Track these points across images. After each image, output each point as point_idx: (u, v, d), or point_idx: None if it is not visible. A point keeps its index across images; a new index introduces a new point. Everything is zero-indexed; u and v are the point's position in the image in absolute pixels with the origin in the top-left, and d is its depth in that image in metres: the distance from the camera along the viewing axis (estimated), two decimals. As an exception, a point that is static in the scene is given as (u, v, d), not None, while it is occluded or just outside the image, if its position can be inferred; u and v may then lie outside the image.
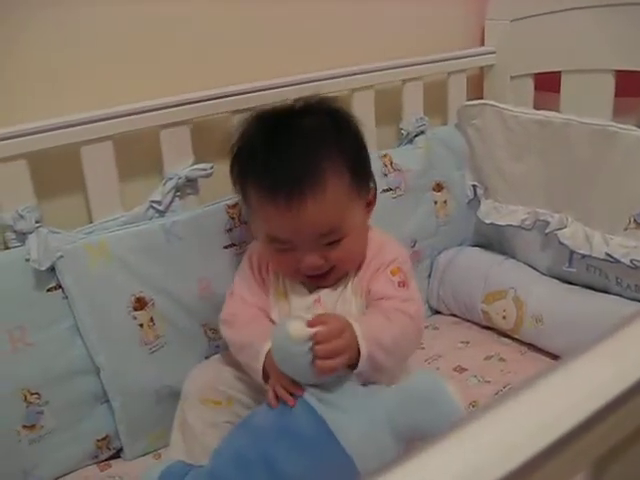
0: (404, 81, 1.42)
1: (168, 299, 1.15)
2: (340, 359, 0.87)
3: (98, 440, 1.15)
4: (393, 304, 0.99)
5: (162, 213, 1.17)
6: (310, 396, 0.88)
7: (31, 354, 1.06)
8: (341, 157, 0.99)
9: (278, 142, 0.99)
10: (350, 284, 1.05)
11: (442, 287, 1.50)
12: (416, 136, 1.44)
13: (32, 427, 1.08)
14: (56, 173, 1.12)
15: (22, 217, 1.05)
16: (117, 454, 1.18)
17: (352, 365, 0.91)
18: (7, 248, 1.07)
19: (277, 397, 0.90)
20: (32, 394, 1.07)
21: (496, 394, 1.25)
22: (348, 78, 1.33)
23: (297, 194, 0.94)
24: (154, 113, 1.13)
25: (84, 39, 1.13)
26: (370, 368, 0.92)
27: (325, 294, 1.04)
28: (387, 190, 1.38)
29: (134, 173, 1.18)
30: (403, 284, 1.03)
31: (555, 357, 1.34)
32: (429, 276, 1.51)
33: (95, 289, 1.09)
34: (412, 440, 0.88)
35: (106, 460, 1.17)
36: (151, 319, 1.14)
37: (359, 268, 1.05)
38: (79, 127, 1.08)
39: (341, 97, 1.32)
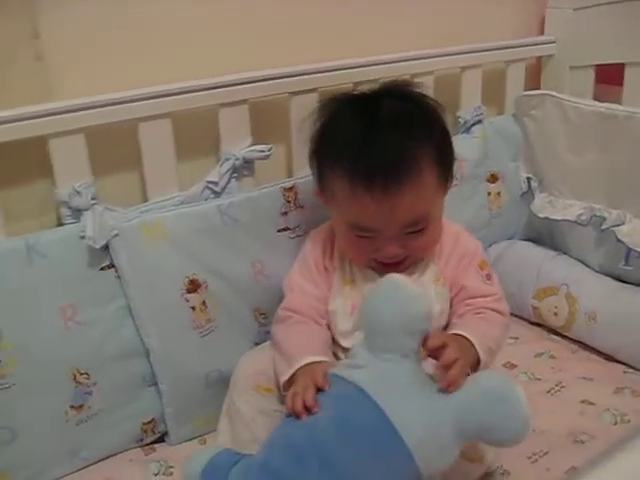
0: (463, 68, 1.39)
1: (221, 282, 1.13)
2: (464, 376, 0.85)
3: (144, 423, 1.13)
4: (487, 303, 1.01)
5: (218, 194, 1.15)
6: (369, 386, 0.83)
7: (82, 333, 1.04)
8: (432, 146, 0.97)
9: (373, 128, 0.96)
10: (428, 271, 1.04)
11: (492, 281, 1.46)
12: (473, 125, 1.41)
13: (80, 407, 1.06)
14: (113, 150, 1.09)
15: (78, 193, 1.02)
16: (162, 438, 1.16)
17: None
18: (61, 224, 1.05)
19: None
20: (81, 374, 1.05)
21: (548, 392, 1.22)
22: (409, 63, 1.30)
23: (395, 182, 0.92)
24: (213, 91, 1.10)
25: (149, 16, 1.11)
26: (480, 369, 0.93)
27: None
28: (446, 179, 1.35)
29: (190, 152, 1.15)
30: (489, 277, 1.05)
31: (607, 357, 1.31)
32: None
33: (149, 269, 1.07)
34: (473, 441, 0.86)
35: (151, 444, 1.15)
36: (203, 302, 1.11)
37: (439, 257, 1.05)
38: (138, 103, 1.05)
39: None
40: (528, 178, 1.46)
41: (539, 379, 1.26)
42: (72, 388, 1.05)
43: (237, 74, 1.12)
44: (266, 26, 1.21)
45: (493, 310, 1.00)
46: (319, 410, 0.82)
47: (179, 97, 1.08)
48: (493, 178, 1.44)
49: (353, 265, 1.05)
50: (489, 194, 1.44)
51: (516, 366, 1.30)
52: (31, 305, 1.00)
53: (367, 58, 1.22)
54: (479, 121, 1.41)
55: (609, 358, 1.31)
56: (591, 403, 1.18)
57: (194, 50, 1.14)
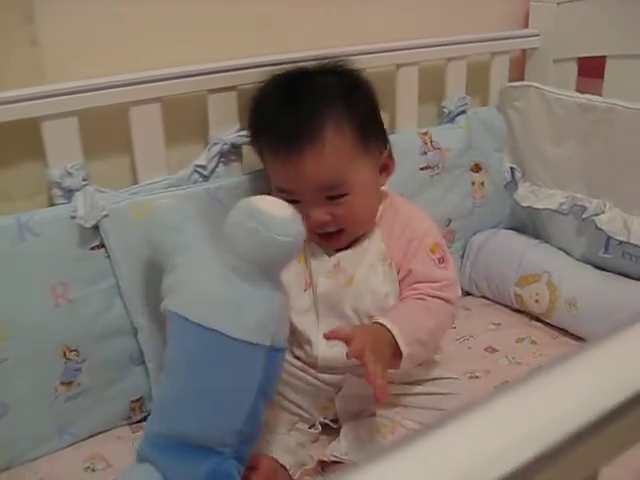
0: (449, 59, 1.41)
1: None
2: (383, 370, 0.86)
3: (132, 401, 1.15)
4: (434, 290, 1.01)
5: (206, 178, 1.17)
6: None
7: (72, 310, 1.07)
8: (346, 115, 1.02)
9: (286, 98, 1.04)
10: (375, 250, 1.06)
11: (474, 269, 1.49)
12: (457, 115, 1.43)
13: (69, 384, 1.09)
14: (104, 133, 1.12)
15: (70, 174, 1.05)
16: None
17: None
18: (52, 205, 1.08)
19: None
20: (71, 351, 1.08)
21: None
22: (393, 53, 1.32)
23: (295, 145, 0.99)
24: (203, 77, 1.13)
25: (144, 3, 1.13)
26: (409, 364, 0.96)
27: (344, 258, 1.06)
28: (425, 168, 1.38)
29: (179, 137, 1.18)
30: (442, 260, 1.05)
31: (586, 342, 1.33)
32: (462, 257, 1.51)
33: (137, 250, 1.08)
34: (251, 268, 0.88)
35: (138, 422, 1.17)
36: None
37: (388, 237, 1.06)
38: (128, 87, 1.07)
39: (385, 72, 1.33)
40: (512, 168, 1.48)
41: (519, 363, 1.29)
42: (62, 364, 1.07)
43: (226, 61, 1.15)
44: (256, 14, 1.23)
45: (438, 298, 1.01)
46: None
47: (169, 82, 1.10)
48: (477, 168, 1.47)
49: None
50: (473, 184, 1.47)
51: (497, 350, 1.33)
52: (22, 282, 1.03)
53: (349, 48, 1.23)
54: (463, 111, 1.44)
55: (588, 343, 1.34)
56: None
57: (187, 36, 1.16)
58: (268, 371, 0.88)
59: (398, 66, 1.34)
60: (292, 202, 1.00)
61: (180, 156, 1.17)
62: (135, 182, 1.14)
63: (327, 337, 0.90)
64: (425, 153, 1.37)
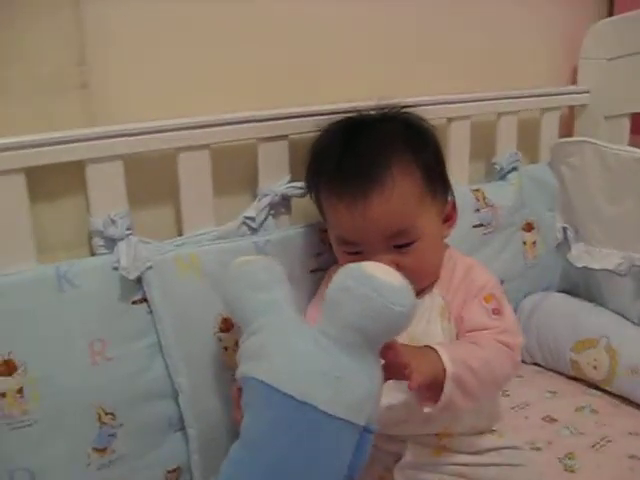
0: (499, 114, 1.38)
1: (254, 320, 1.08)
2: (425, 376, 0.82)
3: (168, 471, 1.06)
4: (488, 335, 0.94)
5: (255, 230, 1.11)
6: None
7: (110, 370, 0.98)
8: (413, 159, 0.98)
9: (351, 143, 1.00)
10: (435, 305, 1.00)
11: (526, 334, 1.41)
12: (508, 172, 1.39)
13: (103, 450, 0.99)
14: (149, 181, 1.07)
15: (113, 222, 0.99)
16: (186, 489, 1.09)
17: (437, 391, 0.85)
18: (93, 254, 1.01)
19: None
20: (107, 414, 0.99)
21: (593, 447, 1.16)
22: (445, 106, 1.28)
23: (361, 188, 0.95)
24: (253, 124, 1.08)
25: (188, 40, 1.09)
26: (458, 392, 0.86)
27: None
28: (479, 226, 1.32)
29: (227, 188, 1.12)
30: (497, 311, 0.98)
31: (652, 412, 1.25)
32: (511, 319, 1.43)
33: (182, 305, 1.02)
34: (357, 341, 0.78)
35: (174, 495, 1.08)
36: (236, 343, 1.05)
37: (447, 290, 1.00)
38: (177, 132, 1.02)
39: (437, 126, 1.29)
40: (564, 228, 1.43)
41: (582, 433, 1.19)
42: (96, 428, 0.98)
43: (278, 109, 1.10)
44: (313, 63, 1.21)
45: (494, 340, 0.93)
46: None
47: (219, 129, 1.05)
48: (529, 227, 1.41)
49: None
50: (524, 243, 1.41)
51: (556, 420, 1.23)
52: (59, 337, 0.95)
53: (402, 99, 1.19)
54: (514, 168, 1.39)
55: (654, 413, 1.25)
56: (640, 458, 1.12)
57: (242, 84, 1.13)
58: (358, 453, 0.78)
59: (450, 120, 1.30)
60: (355, 254, 0.98)
61: (227, 207, 1.11)
62: (180, 233, 1.08)
63: (411, 389, 0.82)
64: (478, 210, 1.32)
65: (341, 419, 0.76)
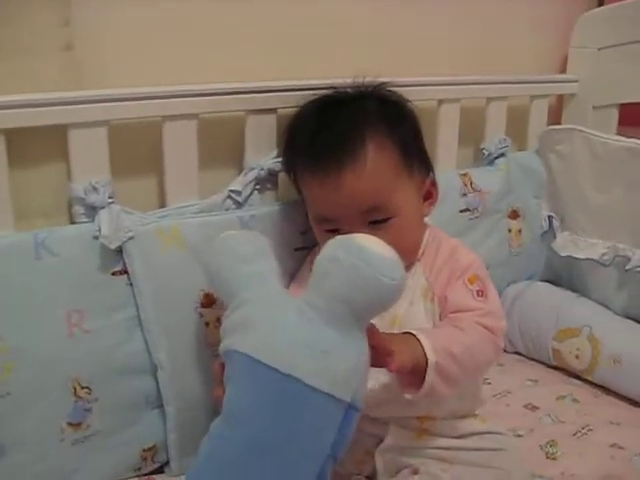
0: (489, 99, 1.37)
1: (237, 297, 1.05)
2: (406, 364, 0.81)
3: (144, 450, 1.03)
4: (471, 317, 0.93)
5: (240, 205, 1.08)
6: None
7: (86, 342, 0.95)
8: (388, 134, 0.97)
9: (325, 119, 0.99)
10: (417, 285, 0.98)
11: (508, 322, 1.36)
12: (497, 158, 1.38)
13: (78, 425, 0.96)
14: (133, 151, 1.04)
15: (95, 190, 0.96)
16: (161, 469, 1.06)
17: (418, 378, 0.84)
18: (73, 223, 0.98)
19: None
20: (82, 388, 0.96)
21: (574, 435, 1.15)
22: (436, 88, 1.27)
23: (334, 163, 0.94)
24: (243, 96, 1.06)
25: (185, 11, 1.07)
26: (440, 380, 0.85)
27: None
28: (465, 210, 1.31)
29: (213, 160, 1.09)
30: (482, 293, 0.96)
31: (632, 402, 1.24)
32: (495, 309, 1.42)
33: (163, 278, 0.99)
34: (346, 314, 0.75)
35: (149, 474, 1.05)
36: (218, 319, 1.03)
37: (430, 270, 0.99)
38: (164, 100, 1.00)
39: (426, 108, 1.27)
40: (549, 216, 1.42)
41: (563, 422, 1.18)
42: (71, 402, 0.95)
43: (268, 81, 1.08)
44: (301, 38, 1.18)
45: (476, 323, 0.91)
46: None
47: (207, 98, 1.03)
48: (514, 214, 1.40)
49: None
50: (510, 231, 1.40)
51: (538, 408, 1.22)
52: (35, 306, 0.92)
53: (391, 78, 1.16)
54: (503, 154, 1.38)
55: (634, 403, 1.24)
56: (621, 447, 1.10)
57: (230, 51, 1.10)
58: (343, 431, 0.75)
59: (440, 102, 1.29)
60: (332, 232, 0.95)
61: (213, 180, 1.08)
62: (162, 205, 1.05)
63: (391, 371, 0.80)
64: (465, 195, 1.31)
65: (326, 393, 0.73)
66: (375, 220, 0.95)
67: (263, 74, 1.09)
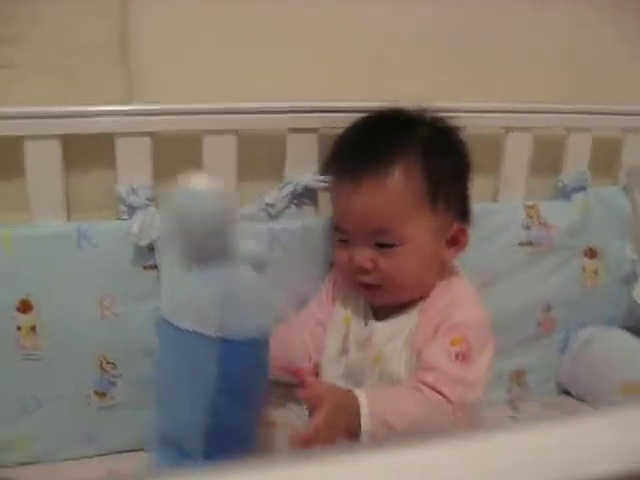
0: (569, 129, 1.29)
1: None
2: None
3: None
4: (436, 381, 0.87)
5: (274, 217, 1.15)
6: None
7: (116, 324, 1.09)
8: (423, 163, 0.95)
9: (365, 136, 1.00)
10: (408, 330, 0.96)
11: (575, 366, 1.32)
12: (574, 192, 1.29)
13: (103, 395, 1.11)
14: (177, 158, 1.12)
15: (134, 192, 1.08)
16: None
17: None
18: (118, 219, 1.11)
19: None
20: (108, 362, 1.10)
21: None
22: (502, 115, 1.23)
23: (356, 174, 0.94)
24: (283, 115, 1.12)
25: (229, 26, 1.15)
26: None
27: (378, 331, 0.98)
28: (526, 244, 1.25)
29: (255, 173, 1.16)
30: (463, 357, 0.90)
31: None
32: (561, 351, 1.34)
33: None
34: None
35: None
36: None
37: (425, 317, 0.96)
38: (205, 116, 1.09)
39: (493, 135, 1.24)
40: (634, 260, 1.31)
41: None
42: (98, 374, 1.10)
43: (310, 101, 1.13)
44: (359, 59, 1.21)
45: (437, 391, 0.87)
46: None
47: (245, 116, 1.10)
48: (591, 253, 1.31)
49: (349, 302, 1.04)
50: (584, 270, 1.31)
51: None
52: (73, 288, 1.07)
53: (454, 104, 1.15)
54: (582, 188, 1.29)
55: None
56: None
57: (276, 71, 1.16)
58: (225, 366, 0.79)
59: (507, 129, 1.24)
60: (343, 242, 0.99)
61: (254, 191, 1.16)
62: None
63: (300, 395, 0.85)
64: (528, 227, 1.25)
65: (188, 331, 0.80)
66: (382, 243, 0.94)
67: (309, 93, 1.13)
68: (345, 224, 0.98)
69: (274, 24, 1.16)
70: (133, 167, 1.09)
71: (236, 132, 1.11)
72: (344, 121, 1.09)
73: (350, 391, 0.87)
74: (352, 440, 0.83)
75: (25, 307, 1.06)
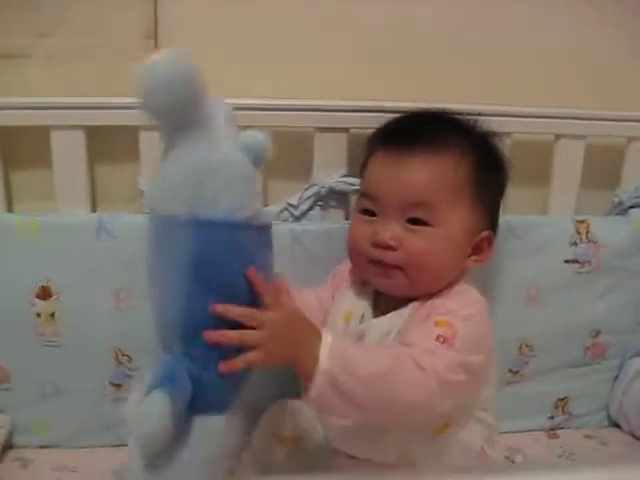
0: (630, 139, 1.17)
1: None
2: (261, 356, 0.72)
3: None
4: (412, 351, 0.78)
5: (297, 218, 1.12)
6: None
7: (131, 317, 1.09)
8: (474, 157, 0.91)
9: (420, 120, 0.95)
10: (400, 325, 0.88)
11: (626, 397, 1.20)
12: (631, 208, 1.18)
13: (118, 386, 1.12)
14: None
15: (142, 189, 1.08)
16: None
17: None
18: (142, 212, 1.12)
19: None
20: (123, 355, 1.11)
21: None
22: (555, 120, 1.13)
23: (410, 143, 0.89)
24: (310, 113, 1.08)
25: (256, 24, 1.13)
26: (336, 394, 0.74)
27: (373, 329, 0.90)
28: (572, 262, 1.15)
29: (285, 171, 1.14)
30: (445, 341, 0.80)
31: None
32: (614, 379, 1.23)
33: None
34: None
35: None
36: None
37: (412, 315, 0.88)
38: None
39: (542, 142, 1.15)
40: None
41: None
42: (114, 366, 1.11)
43: (339, 100, 1.09)
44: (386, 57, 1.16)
45: (409, 357, 0.77)
46: None
47: (275, 113, 1.08)
48: (647, 276, 1.18)
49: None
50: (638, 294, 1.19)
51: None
52: (91, 279, 1.08)
53: (499, 107, 1.10)
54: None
55: None
56: None
57: (308, 71, 1.13)
58: (200, 249, 0.71)
59: (557, 137, 1.15)
60: (366, 213, 0.91)
61: (282, 191, 1.13)
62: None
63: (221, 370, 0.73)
64: (575, 244, 1.15)
65: (159, 215, 0.75)
66: (414, 218, 0.87)
67: (340, 93, 1.10)
68: (380, 191, 0.90)
69: (304, 23, 1.13)
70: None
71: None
72: (374, 121, 1.05)
73: (313, 326, 0.78)
74: (303, 381, 0.75)
75: (45, 294, 1.08)
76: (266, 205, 1.13)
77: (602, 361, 1.21)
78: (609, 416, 1.24)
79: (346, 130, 1.10)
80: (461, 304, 0.86)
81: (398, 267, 0.88)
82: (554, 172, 1.17)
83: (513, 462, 1.13)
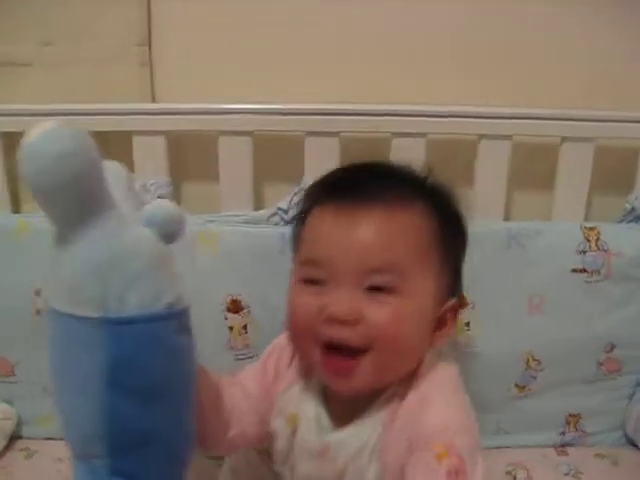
0: (644, 140, 1.09)
1: (265, 311, 1.08)
2: None
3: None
4: None
5: (288, 223, 1.10)
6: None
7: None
8: (436, 212, 0.77)
9: (369, 170, 0.80)
10: (374, 444, 0.75)
11: (637, 423, 1.13)
12: (645, 215, 1.10)
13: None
14: (197, 157, 1.15)
15: (147, 190, 1.09)
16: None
17: None
18: (138, 217, 1.13)
19: None
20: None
21: None
22: (561, 122, 1.07)
23: (364, 197, 0.74)
24: (301, 117, 1.07)
25: (249, 28, 1.12)
26: None
27: (339, 444, 0.77)
28: (580, 271, 1.08)
29: (277, 176, 1.14)
30: (457, 474, 0.67)
31: None
32: (630, 397, 1.15)
33: (194, 278, 1.07)
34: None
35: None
36: (244, 326, 1.09)
37: (390, 422, 0.74)
38: (221, 116, 1.07)
39: (547, 144, 1.09)
40: None
41: None
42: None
43: (330, 104, 1.06)
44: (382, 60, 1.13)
45: None
46: None
47: (263, 117, 1.07)
48: (665, 288, 1.10)
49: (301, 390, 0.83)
50: (657, 306, 1.10)
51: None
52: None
53: (501, 109, 1.06)
54: (656, 211, 1.09)
55: None
56: None
57: (299, 74, 1.12)
58: (112, 352, 0.60)
59: (563, 139, 1.08)
60: (310, 283, 0.75)
61: (273, 195, 1.13)
62: (219, 211, 1.13)
63: None
64: (584, 252, 1.08)
65: (66, 314, 0.61)
66: (377, 286, 0.72)
67: (331, 96, 1.08)
68: (332, 255, 0.73)
69: (296, 27, 1.12)
70: (148, 165, 1.10)
71: (251, 134, 1.08)
72: (365, 125, 1.02)
73: None
74: None
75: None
76: (258, 209, 1.12)
77: (617, 377, 1.13)
78: (626, 435, 1.16)
79: (337, 134, 1.08)
80: (438, 410, 0.73)
81: (360, 351, 0.72)
82: (559, 176, 1.10)
83: (515, 478, 1.09)
